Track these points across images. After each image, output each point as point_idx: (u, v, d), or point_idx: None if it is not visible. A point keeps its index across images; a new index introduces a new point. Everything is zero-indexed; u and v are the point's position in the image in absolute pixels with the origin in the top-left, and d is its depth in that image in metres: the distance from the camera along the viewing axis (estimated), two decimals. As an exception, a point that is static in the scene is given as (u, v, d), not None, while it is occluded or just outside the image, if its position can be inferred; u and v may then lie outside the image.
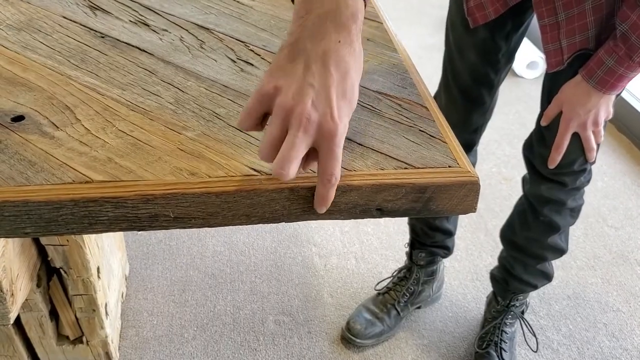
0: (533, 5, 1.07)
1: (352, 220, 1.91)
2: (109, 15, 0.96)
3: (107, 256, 1.44)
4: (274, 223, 0.65)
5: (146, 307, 1.61)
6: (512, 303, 1.47)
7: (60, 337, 1.39)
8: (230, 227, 1.87)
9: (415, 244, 1.57)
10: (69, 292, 1.29)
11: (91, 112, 0.72)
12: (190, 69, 0.82)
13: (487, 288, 1.59)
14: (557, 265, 1.73)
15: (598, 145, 1.15)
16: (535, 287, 1.46)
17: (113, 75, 0.80)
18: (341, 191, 0.63)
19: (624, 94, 2.43)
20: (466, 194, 0.65)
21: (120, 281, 1.60)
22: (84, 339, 1.38)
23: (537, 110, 1.24)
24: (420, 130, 0.72)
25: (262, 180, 0.62)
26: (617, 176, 2.20)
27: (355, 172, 0.64)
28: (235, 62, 0.85)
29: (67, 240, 1.20)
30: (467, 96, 1.30)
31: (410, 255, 1.60)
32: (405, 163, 0.66)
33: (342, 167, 0.65)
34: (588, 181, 1.27)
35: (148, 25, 0.93)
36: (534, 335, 1.49)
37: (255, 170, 0.64)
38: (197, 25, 0.94)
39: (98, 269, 1.33)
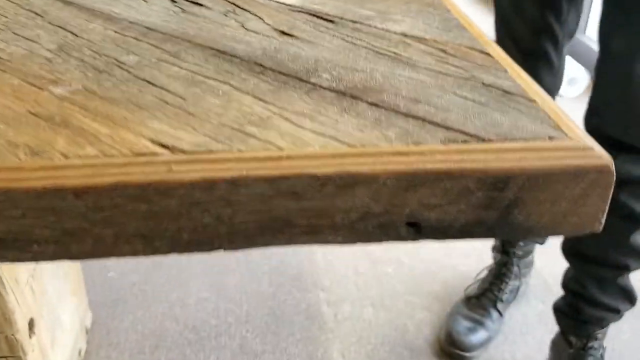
0: None
1: (367, 258, 1.58)
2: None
3: (51, 304, 1.12)
4: (202, 252, 0.33)
5: (109, 369, 1.28)
6: (589, 344, 1.14)
7: (-14, 411, 1.06)
8: (220, 267, 1.55)
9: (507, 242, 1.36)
10: (-11, 353, 0.97)
11: None
12: (102, 9, 0.52)
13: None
14: (626, 315, 1.38)
15: None
16: (617, 312, 1.12)
17: (-28, 16, 0.50)
18: (336, 186, 0.31)
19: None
20: (586, 192, 0.33)
21: (77, 335, 1.28)
22: (16, 415, 1.05)
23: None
24: (483, 84, 0.40)
25: (173, 165, 0.31)
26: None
27: (364, 148, 0.32)
28: (175, 1, 0.54)
29: (-19, 284, 0.89)
30: (531, 55, 1.10)
31: (502, 247, 1.36)
32: (464, 132, 0.34)
33: (337, 141, 0.33)
34: None
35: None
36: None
37: (162, 145, 0.32)
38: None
39: (31, 322, 1.01)
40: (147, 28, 0.47)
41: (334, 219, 0.32)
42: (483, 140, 0.33)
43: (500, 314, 1.34)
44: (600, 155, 0.32)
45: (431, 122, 0.34)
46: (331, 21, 0.50)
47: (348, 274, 1.55)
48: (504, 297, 1.35)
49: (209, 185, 0.30)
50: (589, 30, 2.23)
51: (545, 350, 1.31)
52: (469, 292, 1.39)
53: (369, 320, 1.42)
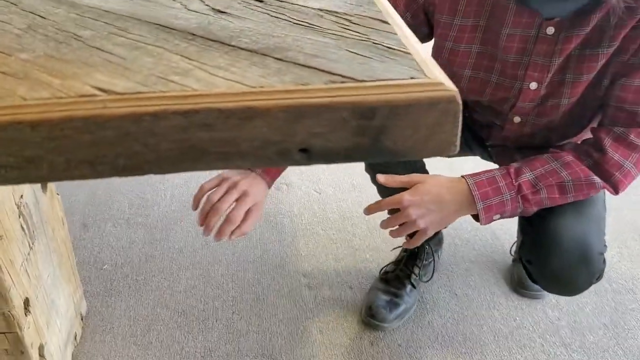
0: None
1: (348, 246, 1.65)
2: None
3: (45, 288, 1.20)
4: (137, 175, 0.41)
5: (102, 351, 1.36)
6: None
7: (-14, 387, 1.14)
8: (208, 259, 1.63)
9: None
10: (-13, 329, 1.05)
11: None
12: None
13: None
14: (590, 290, 1.45)
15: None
16: None
17: (-42, 6, 0.58)
18: (239, 118, 0.40)
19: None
20: (439, 120, 0.41)
21: (72, 321, 1.36)
22: (14, 390, 1.13)
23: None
24: (374, 43, 0.48)
25: (107, 102, 0.39)
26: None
27: (262, 89, 0.41)
28: (133, -9, 0.63)
29: (-22, 264, 0.97)
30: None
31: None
32: (343, 76, 0.42)
33: (241, 84, 0.41)
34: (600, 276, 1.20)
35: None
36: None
37: (100, 89, 0.40)
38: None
39: (26, 301, 1.09)
40: (104, 11, 0.56)
41: (240, 147, 0.41)
42: (357, 80, 0.41)
43: (414, 286, 1.46)
44: (448, 88, 0.40)
45: (321, 70, 0.43)
46: (261, 1, 0.59)
47: (328, 260, 1.63)
48: (417, 271, 1.47)
49: (136, 118, 0.39)
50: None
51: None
52: (386, 269, 1.51)
53: (347, 300, 1.50)
